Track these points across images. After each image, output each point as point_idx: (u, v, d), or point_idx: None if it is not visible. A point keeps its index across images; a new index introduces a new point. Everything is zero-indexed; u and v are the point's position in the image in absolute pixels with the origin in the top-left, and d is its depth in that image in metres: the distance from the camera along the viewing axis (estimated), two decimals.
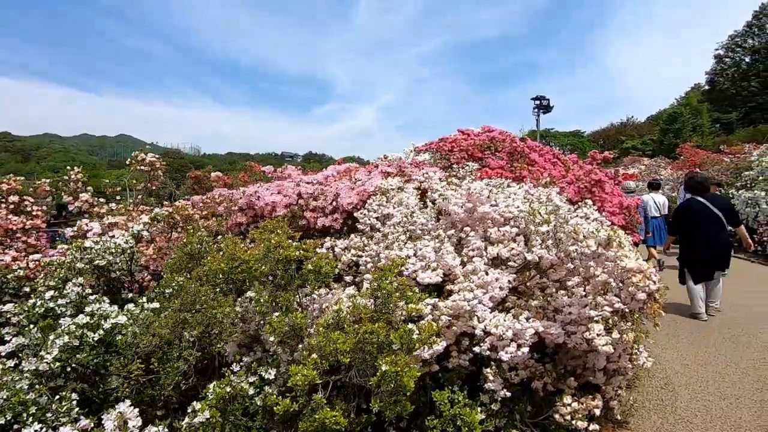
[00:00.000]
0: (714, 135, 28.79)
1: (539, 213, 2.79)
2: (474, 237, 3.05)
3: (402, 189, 3.99)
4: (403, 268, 2.76)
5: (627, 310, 2.75)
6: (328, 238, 3.51)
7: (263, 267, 2.55)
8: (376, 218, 3.46)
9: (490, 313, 2.68)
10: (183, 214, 3.85)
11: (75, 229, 4.08)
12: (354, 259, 3.15)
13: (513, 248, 2.92)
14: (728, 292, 5.84)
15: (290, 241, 2.72)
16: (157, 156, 4.96)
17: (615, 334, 2.55)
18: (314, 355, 1.99)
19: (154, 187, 5.27)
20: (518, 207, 3.20)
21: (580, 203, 4.86)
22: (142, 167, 4.92)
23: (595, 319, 2.57)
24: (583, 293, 2.68)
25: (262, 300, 2.46)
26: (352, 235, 3.31)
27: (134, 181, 5.10)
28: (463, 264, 2.91)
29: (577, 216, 4.07)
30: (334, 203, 3.89)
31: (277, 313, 2.40)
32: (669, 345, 4.59)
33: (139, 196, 5.14)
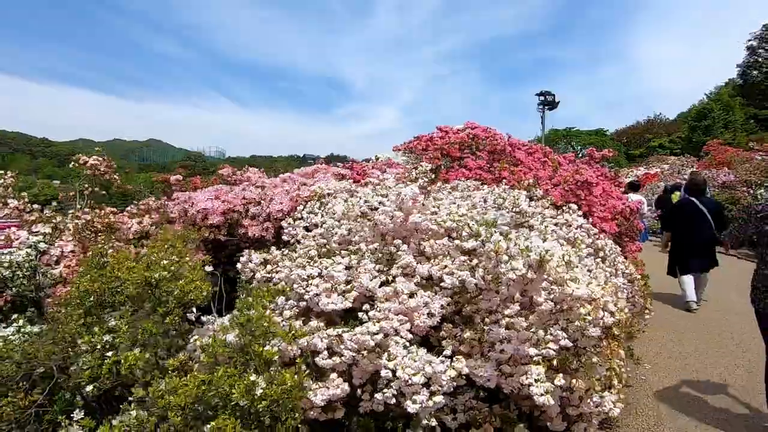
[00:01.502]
0: (748, 132, 27.00)
1: (467, 225, 2.26)
2: (406, 252, 2.54)
3: (353, 193, 3.52)
4: (304, 291, 2.29)
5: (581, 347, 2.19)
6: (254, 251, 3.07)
7: (131, 289, 2.13)
8: (305, 227, 3.00)
9: (413, 347, 2.17)
10: (104, 221, 3.47)
11: (2, 237, 3.77)
12: (268, 276, 2.69)
13: (446, 266, 2.40)
14: None
15: (173, 258, 2.28)
16: (100, 158, 4.64)
17: (559, 380, 2.00)
18: (134, 413, 1.54)
19: (104, 192, 4.95)
20: (464, 215, 2.67)
21: (564, 208, 4.29)
22: (88, 171, 4.60)
23: (535, 359, 2.03)
24: (525, 325, 2.13)
25: (121, 331, 2.03)
26: (273, 248, 2.85)
27: (86, 186, 4.79)
28: (388, 284, 2.41)
29: (549, 224, 3.51)
30: (268, 210, 3.44)
31: (137, 349, 1.97)
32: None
33: (91, 202, 4.80)
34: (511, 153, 5.05)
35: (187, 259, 2.63)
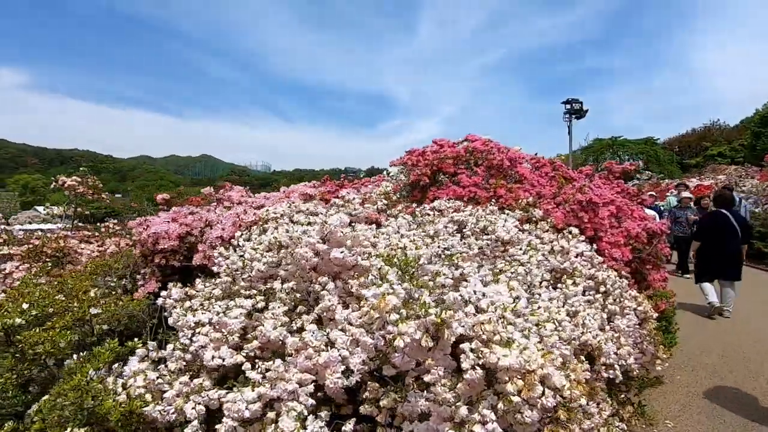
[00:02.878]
0: None
1: (378, 265, 1.81)
2: (332, 292, 2.13)
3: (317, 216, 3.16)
4: (189, 341, 1.93)
5: None
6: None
7: None
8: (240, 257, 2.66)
9: (312, 417, 1.75)
10: (53, 246, 3.31)
11: None
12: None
13: (368, 312, 1.96)
14: None
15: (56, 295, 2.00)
16: (79, 178, 4.57)
17: None
18: None
19: (87, 212, 4.87)
20: (404, 247, 2.23)
21: (564, 232, 3.73)
22: (66, 191, 4.54)
23: None
24: (451, 397, 1.64)
25: None
26: (198, 281, 2.52)
27: (71, 206, 4.74)
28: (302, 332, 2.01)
29: (536, 253, 2.98)
30: (211, 235, 3.14)
31: None
32: None
33: (75, 221, 4.73)
34: (510, 167, 4.51)
35: (92, 294, 2.36)
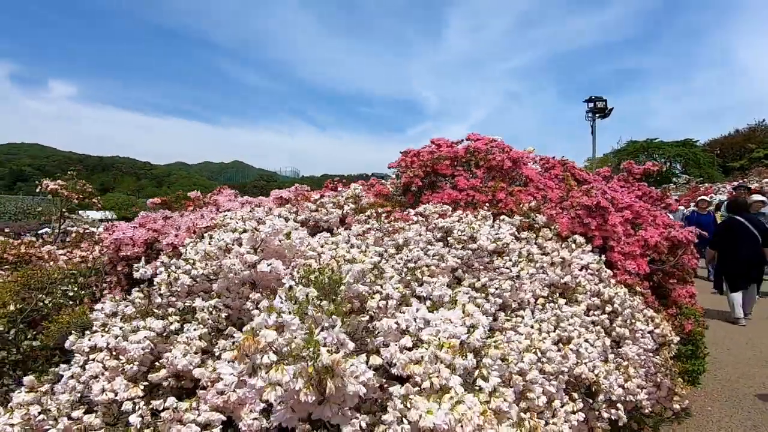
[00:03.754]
0: None
1: (301, 277, 1.47)
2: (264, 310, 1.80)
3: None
4: (80, 369, 1.64)
5: None
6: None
7: None
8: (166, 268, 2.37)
9: None
10: (12, 253, 3.14)
11: None
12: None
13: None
14: None
15: None
16: (63, 183, 4.44)
17: None
18: None
19: (70, 216, 4.75)
20: (352, 259, 1.88)
21: (569, 240, 3.29)
22: (50, 195, 4.42)
23: None
24: None
25: None
26: (135, 291, 2.25)
27: (54, 210, 4.64)
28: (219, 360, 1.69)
29: (528, 265, 2.57)
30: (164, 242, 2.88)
31: None
32: None
33: (62, 225, 4.62)
34: (512, 168, 4.08)
35: (12, 308, 2.12)
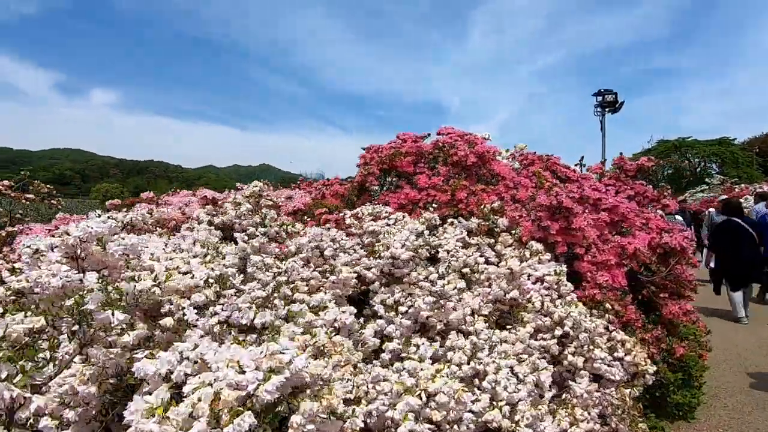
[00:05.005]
0: None
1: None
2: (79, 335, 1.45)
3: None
4: None
5: None
6: None
7: None
8: None
9: None
10: None
11: None
12: None
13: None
14: None
15: None
16: (7, 183, 4.26)
17: None
18: None
19: (27, 218, 4.57)
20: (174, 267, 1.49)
21: (528, 247, 2.83)
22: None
23: None
24: None
25: None
26: None
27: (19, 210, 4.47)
28: None
29: (458, 278, 2.14)
30: None
31: None
32: None
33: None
34: (476, 164, 3.61)
35: None
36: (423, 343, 1.74)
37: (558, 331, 2.20)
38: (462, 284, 2.18)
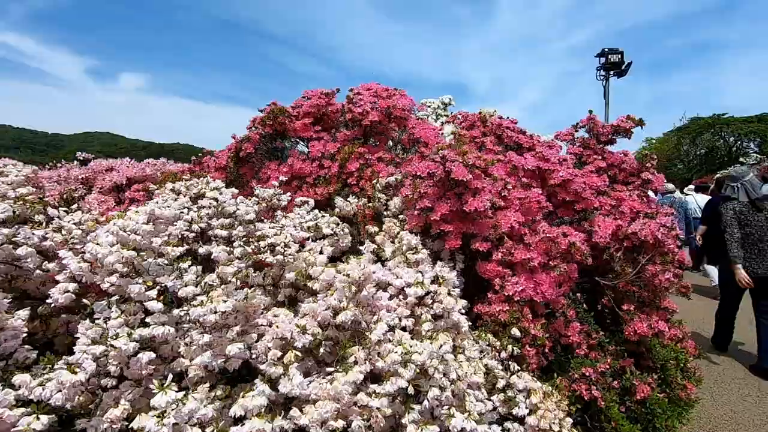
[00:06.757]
0: None
1: None
2: None
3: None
4: None
5: None
6: None
7: None
8: None
9: None
10: None
11: None
12: None
13: None
14: None
15: None
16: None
17: None
18: None
19: None
20: None
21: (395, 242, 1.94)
22: None
23: None
24: None
25: None
26: None
27: None
28: None
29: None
30: None
31: None
32: None
33: None
34: (385, 124, 2.69)
35: None
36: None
37: (397, 382, 1.33)
38: (259, 300, 1.33)
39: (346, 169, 2.47)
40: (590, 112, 2.91)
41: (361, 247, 2.04)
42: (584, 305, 2.38)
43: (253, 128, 2.95)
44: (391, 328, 1.50)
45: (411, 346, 1.34)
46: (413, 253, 1.71)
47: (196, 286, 1.35)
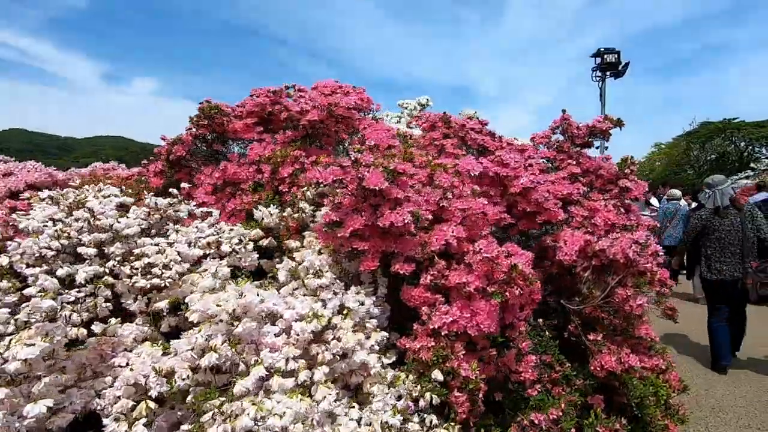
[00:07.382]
0: None
1: None
2: None
3: None
4: None
5: None
6: None
7: None
8: None
9: None
10: None
11: None
12: None
13: None
14: None
15: None
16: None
17: None
18: None
19: None
20: None
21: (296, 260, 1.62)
22: None
23: None
24: None
25: None
26: None
27: None
28: None
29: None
30: None
31: None
32: None
33: None
34: (327, 124, 2.40)
35: None
36: None
37: None
38: (131, 331, 1.04)
39: (278, 174, 2.18)
40: (563, 111, 2.59)
41: (279, 265, 1.75)
42: (547, 332, 2.07)
43: (189, 129, 2.68)
44: (272, 374, 1.20)
45: (273, 406, 1.04)
46: (316, 277, 1.41)
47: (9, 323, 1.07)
